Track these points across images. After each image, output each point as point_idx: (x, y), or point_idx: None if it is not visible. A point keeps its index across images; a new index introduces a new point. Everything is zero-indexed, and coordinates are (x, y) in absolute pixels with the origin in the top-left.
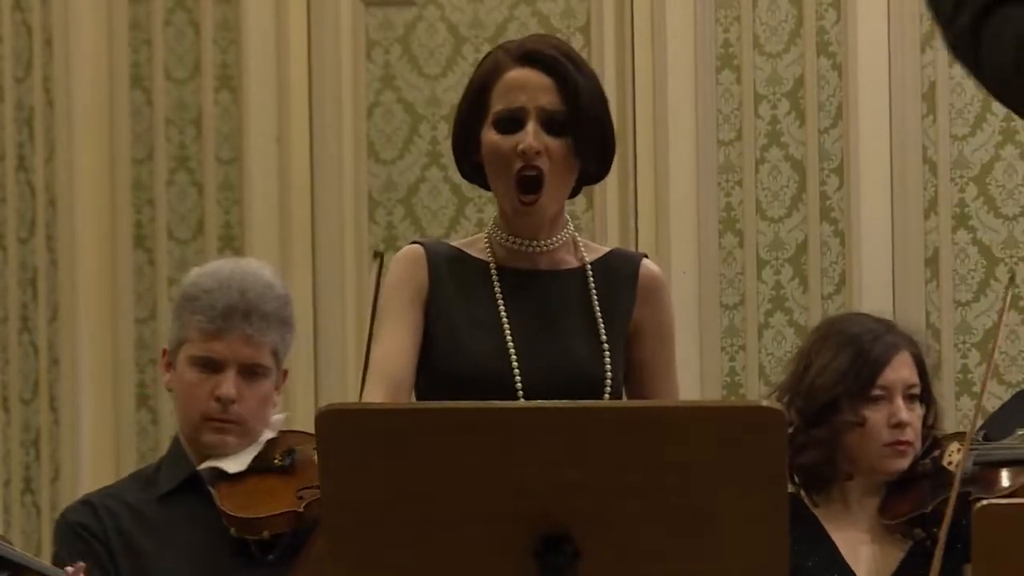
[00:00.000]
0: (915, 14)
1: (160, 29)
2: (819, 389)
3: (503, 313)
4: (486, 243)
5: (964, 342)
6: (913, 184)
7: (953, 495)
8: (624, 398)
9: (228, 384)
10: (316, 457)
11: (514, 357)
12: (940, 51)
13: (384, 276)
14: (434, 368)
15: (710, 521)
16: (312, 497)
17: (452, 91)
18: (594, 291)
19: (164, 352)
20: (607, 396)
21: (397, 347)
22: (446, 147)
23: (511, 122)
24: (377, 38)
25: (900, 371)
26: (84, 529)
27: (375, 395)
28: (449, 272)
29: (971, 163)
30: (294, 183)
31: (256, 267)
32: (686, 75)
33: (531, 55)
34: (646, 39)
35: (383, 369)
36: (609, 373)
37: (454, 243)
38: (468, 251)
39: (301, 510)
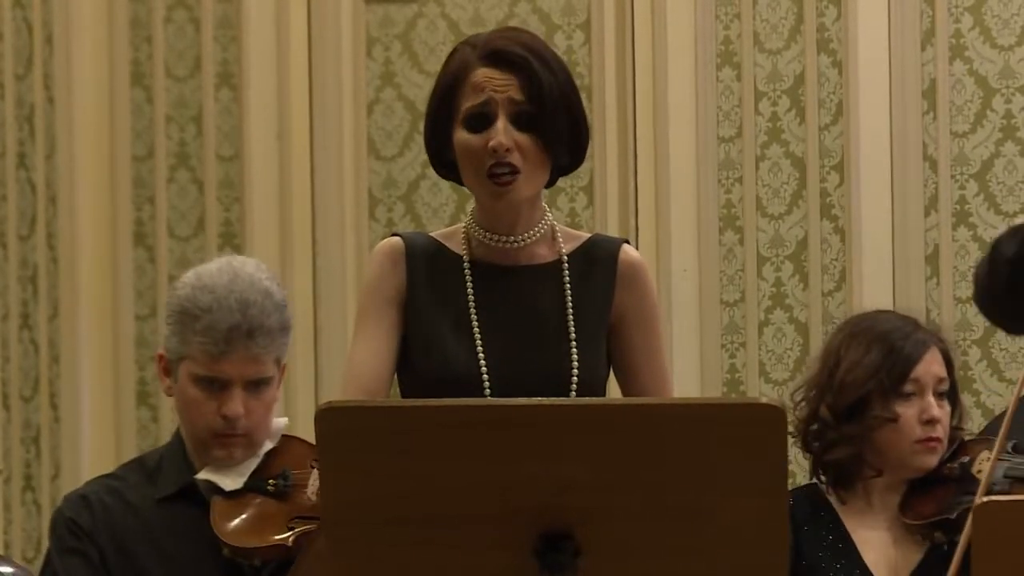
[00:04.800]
0: (915, 11)
1: (161, 26)
2: (851, 385)
3: (474, 314)
4: (463, 237)
5: (965, 339)
6: (913, 181)
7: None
8: (606, 390)
9: (235, 403)
10: (311, 479)
11: (483, 360)
12: (940, 48)
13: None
14: (410, 369)
15: (711, 518)
16: (302, 529)
17: None
18: (568, 286)
19: (160, 357)
20: (573, 395)
21: (372, 355)
22: None
23: (480, 119)
24: (377, 35)
25: (931, 367)
26: (78, 527)
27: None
28: (426, 269)
29: (971, 160)
30: (294, 180)
31: (252, 272)
32: (686, 72)
33: (496, 54)
34: (646, 36)
35: (357, 379)
36: (575, 373)
37: (434, 233)
38: (446, 244)
39: (290, 544)
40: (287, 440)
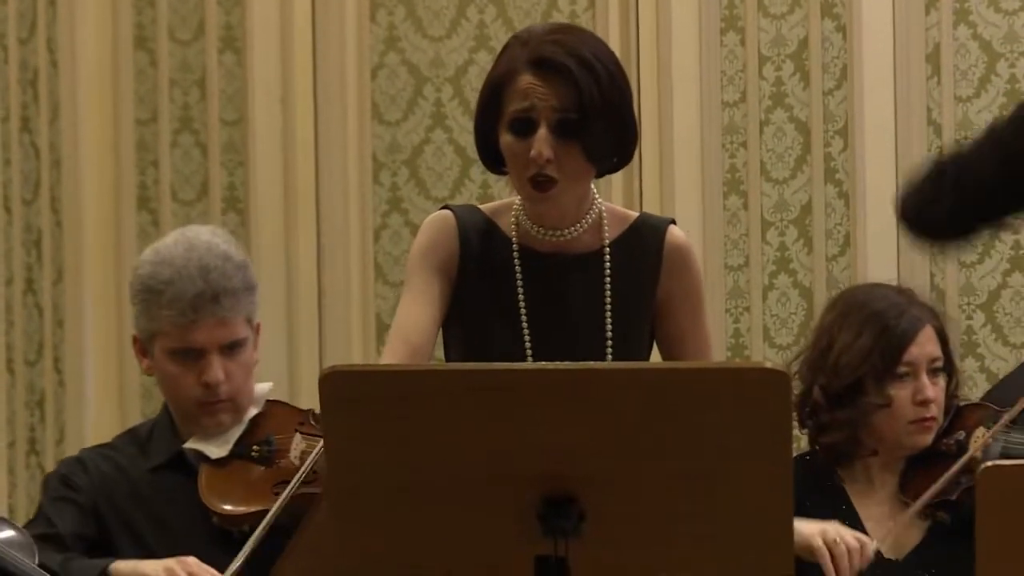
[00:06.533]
0: None
1: None
2: (844, 368)
3: (522, 300)
4: (513, 219)
5: (969, 303)
6: (917, 146)
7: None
8: None
9: (214, 369)
10: (292, 443)
11: (528, 347)
12: (944, 13)
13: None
14: (457, 348)
15: (715, 482)
16: (286, 494)
17: (456, 53)
18: (608, 277)
19: (135, 339)
20: None
21: (420, 315)
22: (451, 109)
23: (524, 124)
24: None
25: (925, 346)
26: (71, 482)
27: (394, 358)
28: (478, 247)
29: (975, 124)
30: (298, 145)
31: (208, 238)
32: (690, 37)
33: (542, 62)
34: (651, 1)
35: (403, 333)
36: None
37: (484, 207)
38: (497, 222)
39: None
40: (271, 405)
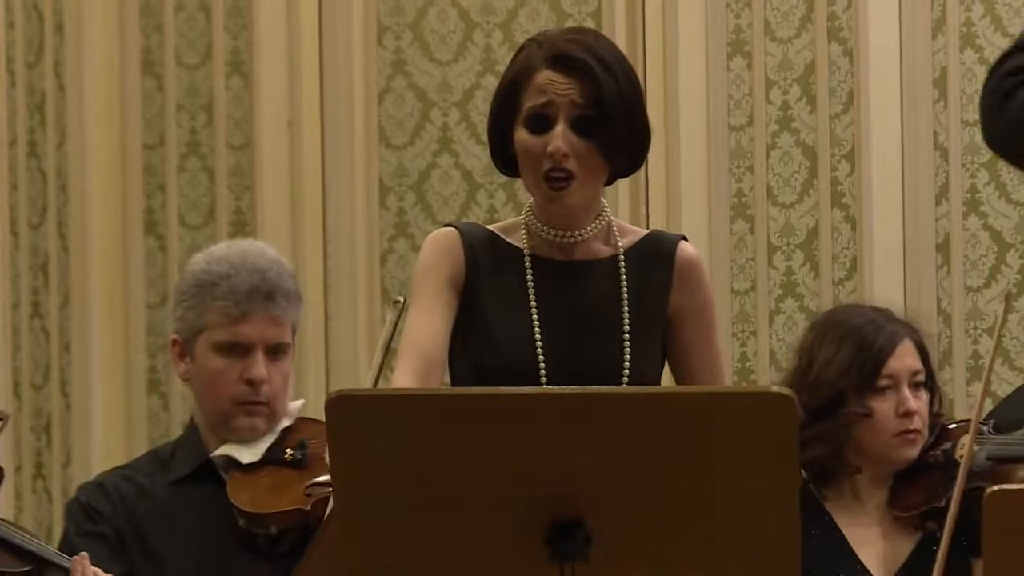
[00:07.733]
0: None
1: (171, 15)
2: (824, 384)
3: (534, 305)
4: (523, 230)
5: (975, 328)
6: (924, 170)
7: (959, 488)
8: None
9: (259, 366)
10: (327, 450)
11: (540, 352)
12: (951, 37)
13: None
14: (465, 358)
15: (722, 506)
16: (320, 495)
17: (463, 77)
18: (624, 281)
19: (174, 343)
20: None
21: (431, 326)
22: (457, 133)
23: (541, 121)
24: (388, 24)
25: (904, 359)
26: (95, 511)
27: (408, 372)
28: (484, 258)
29: (982, 149)
30: (305, 169)
31: (259, 247)
32: (697, 61)
33: (561, 58)
34: (657, 24)
35: (416, 346)
36: (627, 367)
37: (492, 226)
38: (505, 237)
39: (308, 508)
40: (303, 420)
